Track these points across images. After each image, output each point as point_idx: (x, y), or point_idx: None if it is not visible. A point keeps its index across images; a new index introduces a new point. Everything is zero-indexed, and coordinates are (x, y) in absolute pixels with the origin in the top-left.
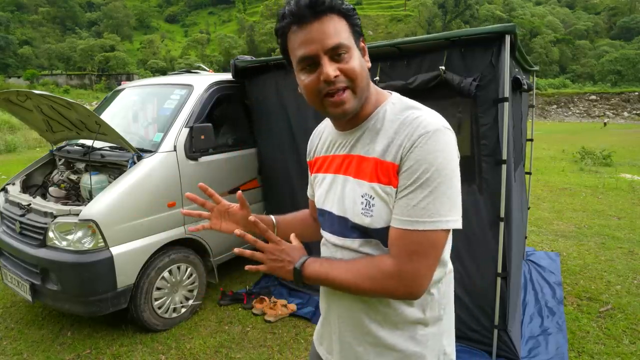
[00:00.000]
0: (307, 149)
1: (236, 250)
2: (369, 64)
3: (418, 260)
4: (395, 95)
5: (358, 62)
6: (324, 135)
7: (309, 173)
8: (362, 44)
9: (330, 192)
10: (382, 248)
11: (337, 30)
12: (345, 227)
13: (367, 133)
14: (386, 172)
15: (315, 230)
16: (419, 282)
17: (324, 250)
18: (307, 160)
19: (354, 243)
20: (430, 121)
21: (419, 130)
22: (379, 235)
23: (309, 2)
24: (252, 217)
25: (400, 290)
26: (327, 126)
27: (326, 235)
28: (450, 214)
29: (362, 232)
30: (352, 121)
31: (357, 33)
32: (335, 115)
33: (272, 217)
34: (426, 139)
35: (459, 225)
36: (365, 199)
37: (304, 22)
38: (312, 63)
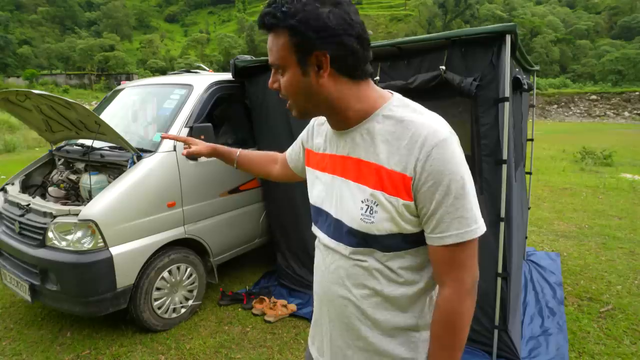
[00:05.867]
0: (305, 133)
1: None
2: (323, 79)
3: (472, 267)
4: (396, 97)
5: (289, 80)
6: (323, 131)
7: (302, 150)
8: (320, 58)
9: (329, 192)
10: (375, 257)
11: (275, 47)
12: (340, 230)
13: (365, 136)
14: (394, 183)
15: (267, 169)
16: (476, 285)
17: (317, 253)
18: (303, 144)
19: (346, 250)
20: (437, 128)
21: (429, 140)
22: (377, 242)
23: (260, 18)
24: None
25: (475, 298)
26: (327, 123)
27: (320, 235)
28: (480, 217)
29: (359, 238)
30: (344, 122)
31: (306, 49)
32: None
33: (238, 152)
34: (440, 149)
35: (485, 227)
36: (367, 205)
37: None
38: None
